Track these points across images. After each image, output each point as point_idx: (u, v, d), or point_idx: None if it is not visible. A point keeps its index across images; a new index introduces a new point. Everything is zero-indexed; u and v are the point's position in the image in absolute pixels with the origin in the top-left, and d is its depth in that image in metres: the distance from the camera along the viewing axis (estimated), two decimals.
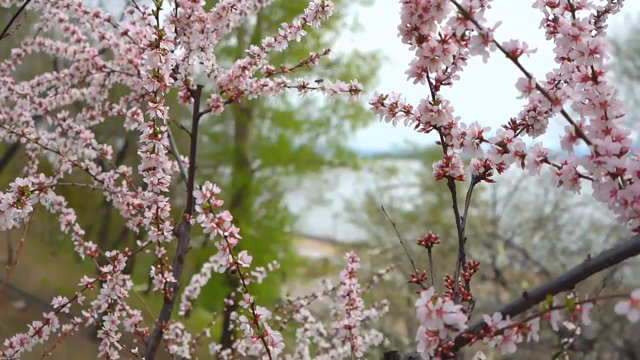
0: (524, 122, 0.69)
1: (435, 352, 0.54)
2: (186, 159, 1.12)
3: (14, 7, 1.23)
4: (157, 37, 0.71)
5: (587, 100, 0.56)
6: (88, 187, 0.96)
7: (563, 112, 0.52)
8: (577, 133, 0.52)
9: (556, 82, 0.69)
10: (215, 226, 0.62)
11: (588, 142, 0.52)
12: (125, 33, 1.04)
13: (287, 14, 11.09)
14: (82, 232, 1.11)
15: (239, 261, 0.64)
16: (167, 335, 1.31)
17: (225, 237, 0.63)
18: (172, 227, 0.92)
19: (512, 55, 0.51)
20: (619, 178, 0.52)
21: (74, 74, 1.19)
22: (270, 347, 0.65)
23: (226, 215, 0.63)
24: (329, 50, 1.03)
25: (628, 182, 0.53)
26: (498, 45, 0.51)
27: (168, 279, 0.97)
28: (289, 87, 0.99)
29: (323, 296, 1.36)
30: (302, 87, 0.97)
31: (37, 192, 0.68)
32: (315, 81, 0.98)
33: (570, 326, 1.14)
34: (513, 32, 0.58)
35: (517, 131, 0.69)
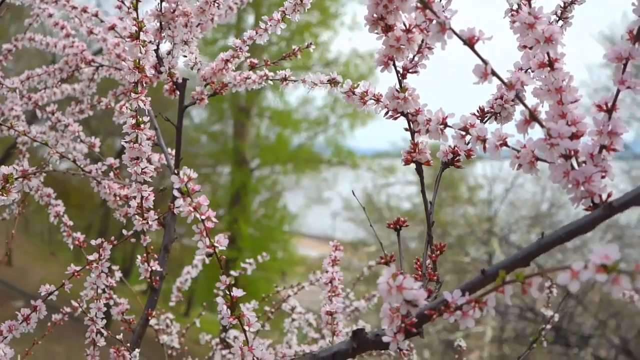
0: (491, 110, 0.72)
1: (398, 329, 0.57)
2: (173, 152, 1.14)
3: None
4: (137, 29, 0.73)
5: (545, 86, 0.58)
6: (74, 174, 0.98)
7: (517, 97, 0.54)
8: (532, 117, 0.55)
9: (523, 71, 0.72)
10: (192, 210, 0.65)
11: (542, 125, 0.54)
12: (112, 28, 1.06)
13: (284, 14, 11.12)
14: (70, 222, 1.13)
15: (216, 244, 0.66)
16: (158, 326, 1.33)
17: (202, 220, 0.65)
18: (156, 217, 0.94)
19: (469, 42, 0.54)
20: (572, 160, 0.55)
21: (63, 68, 1.22)
22: (246, 328, 0.68)
23: (203, 200, 0.65)
24: (311, 43, 1.06)
25: (583, 164, 0.55)
26: (455, 33, 0.53)
27: (154, 268, 0.99)
28: (271, 79, 1.01)
29: (310, 287, 1.38)
30: (284, 79, 0.99)
31: (20, 179, 0.71)
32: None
33: (548, 313, 1.16)
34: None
35: (485, 118, 0.72)
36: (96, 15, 1.13)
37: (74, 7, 1.13)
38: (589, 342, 5.86)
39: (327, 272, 0.98)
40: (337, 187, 12.71)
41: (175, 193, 0.64)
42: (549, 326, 1.13)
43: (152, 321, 1.33)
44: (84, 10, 1.13)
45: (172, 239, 1.05)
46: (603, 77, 9.81)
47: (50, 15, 1.24)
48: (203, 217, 0.65)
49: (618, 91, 0.55)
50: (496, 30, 0.61)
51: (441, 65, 0.65)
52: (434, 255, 0.66)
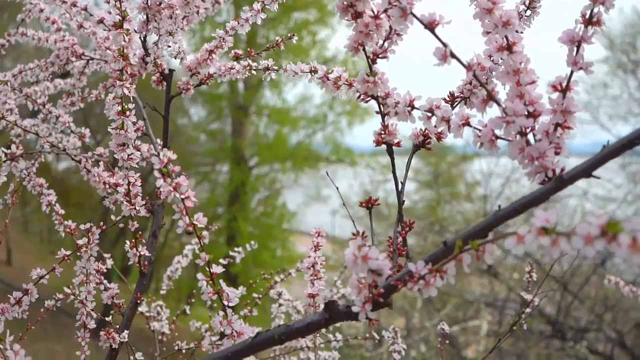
0: (461, 95, 0.75)
1: (366, 299, 0.60)
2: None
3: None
4: (120, 18, 0.77)
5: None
6: (74, 162, 1.01)
7: (475, 76, 0.57)
8: (489, 96, 0.58)
9: (492, 57, 0.75)
10: (172, 189, 0.68)
11: (499, 104, 0.57)
12: (101, 21, 1.09)
13: (282, 11, 11.15)
14: (62, 211, 1.16)
15: (195, 222, 0.69)
16: (149, 313, 1.37)
17: (182, 199, 0.68)
18: (144, 202, 0.97)
19: (430, 26, 0.57)
20: (529, 136, 0.58)
21: (54, 61, 1.25)
22: (225, 302, 0.71)
23: (182, 180, 0.68)
24: (293, 35, 1.09)
25: (539, 142, 0.58)
26: (416, 17, 0.56)
27: (142, 253, 1.03)
28: (255, 69, 1.04)
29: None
30: (267, 69, 1.02)
31: (8, 161, 0.74)
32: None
33: (527, 297, 1.19)
34: None
35: (455, 103, 0.75)
36: (85, 9, 1.16)
37: (63, 2, 1.16)
38: (585, 335, 5.90)
39: (309, 257, 1.02)
40: (335, 184, 12.69)
41: (156, 174, 0.67)
42: (528, 309, 1.16)
43: (144, 308, 1.37)
44: (74, 4, 1.16)
45: (160, 225, 1.08)
46: (600, 74, 9.83)
47: (41, 11, 1.27)
48: (183, 196, 0.68)
49: (572, 72, 0.58)
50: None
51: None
52: (403, 231, 0.69)
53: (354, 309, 0.60)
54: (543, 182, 0.56)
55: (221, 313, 0.71)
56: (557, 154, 0.57)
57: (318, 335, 1.21)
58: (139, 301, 1.04)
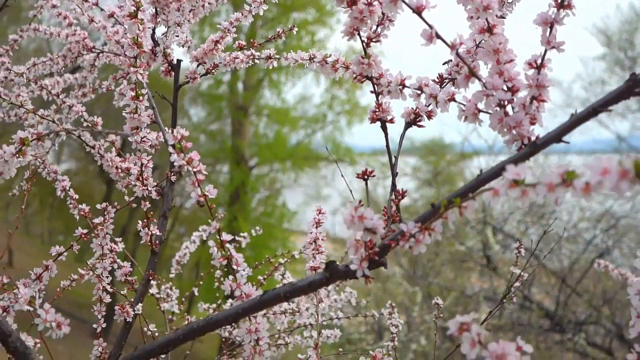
0: (449, 76, 0.81)
1: (363, 258, 0.66)
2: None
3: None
4: (135, 8, 0.83)
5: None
6: (86, 144, 1.08)
7: (457, 55, 0.64)
8: (471, 72, 0.65)
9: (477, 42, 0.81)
10: (185, 163, 0.74)
11: (479, 79, 0.64)
12: (111, 15, 1.16)
13: (281, 12, 11.22)
14: (76, 196, 1.22)
15: (207, 193, 0.76)
16: (159, 295, 1.43)
17: (195, 172, 0.75)
18: (155, 184, 1.04)
19: (417, 10, 0.63)
20: (508, 108, 0.64)
21: (66, 55, 1.31)
22: (235, 267, 0.77)
23: (195, 155, 0.75)
24: (294, 26, 1.15)
25: (516, 113, 0.65)
26: (405, 3, 0.63)
27: (153, 232, 1.09)
28: (257, 59, 1.11)
29: (299, 255, 1.48)
30: (269, 57, 1.09)
31: (35, 141, 0.80)
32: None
33: (516, 270, 1.26)
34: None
35: (444, 83, 0.81)
36: (96, 4, 1.22)
37: None
38: (583, 328, 5.96)
39: (311, 233, 1.08)
40: (335, 184, 12.79)
41: (170, 149, 0.74)
42: (517, 283, 1.23)
43: (154, 290, 1.43)
44: (85, 0, 1.22)
45: (170, 207, 1.14)
46: (598, 70, 9.88)
47: (54, 6, 1.33)
48: (195, 169, 0.74)
49: (545, 50, 0.65)
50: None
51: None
52: (397, 200, 0.76)
53: (352, 267, 0.67)
54: (519, 149, 0.63)
55: (231, 277, 0.77)
56: (532, 123, 0.64)
57: (321, 314, 1.27)
58: (150, 278, 1.11)
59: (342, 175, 1.17)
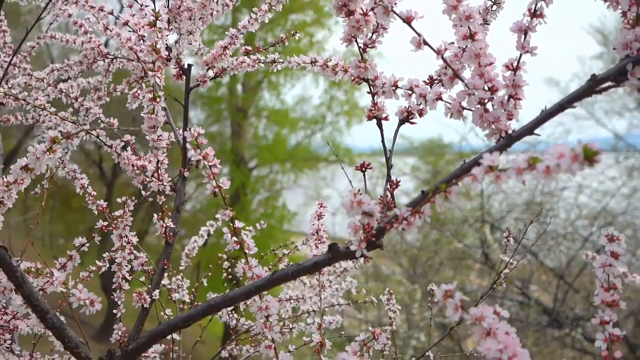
0: (438, 78, 0.90)
1: (362, 239, 0.75)
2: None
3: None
4: (154, 18, 0.92)
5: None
6: (103, 144, 1.17)
7: (443, 59, 0.72)
8: (455, 74, 0.73)
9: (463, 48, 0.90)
10: (202, 158, 0.83)
11: (462, 80, 0.73)
12: (126, 23, 1.24)
13: (279, 14, 11.33)
14: (94, 193, 1.31)
15: (220, 184, 0.84)
16: (170, 286, 1.52)
17: (210, 166, 0.83)
18: (170, 179, 1.13)
19: (407, 20, 0.72)
20: (488, 106, 0.73)
21: (82, 60, 1.40)
22: (246, 251, 0.86)
23: (210, 150, 0.84)
24: (296, 32, 1.24)
25: (495, 109, 0.74)
26: (396, 14, 0.72)
27: (168, 224, 1.18)
28: (263, 63, 1.20)
29: (302, 246, 1.57)
30: (273, 62, 1.18)
31: (65, 139, 0.89)
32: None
33: (505, 258, 1.34)
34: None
35: (433, 84, 0.90)
36: (111, 13, 1.31)
37: (92, 7, 1.31)
38: (580, 324, 6.05)
39: (313, 224, 1.17)
40: (335, 185, 12.87)
41: (188, 146, 0.82)
42: (507, 270, 1.31)
43: (165, 281, 1.52)
44: (101, 9, 1.31)
45: (182, 201, 1.23)
46: (595, 69, 9.98)
47: (70, 15, 1.42)
48: (210, 163, 0.83)
49: (520, 54, 0.74)
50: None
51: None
52: (391, 188, 0.84)
53: (352, 247, 0.75)
54: (498, 141, 0.72)
55: (243, 260, 0.86)
56: (509, 119, 0.72)
57: (323, 299, 1.36)
58: (165, 267, 1.19)
59: (344, 171, 1.25)
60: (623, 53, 0.65)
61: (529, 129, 0.68)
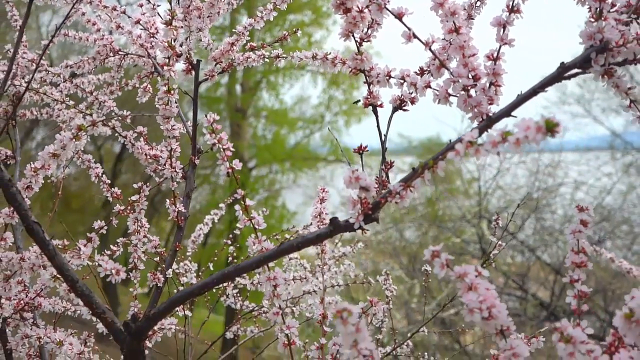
0: (428, 68, 0.99)
1: (359, 212, 0.84)
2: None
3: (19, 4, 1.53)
4: (170, 17, 1.01)
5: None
6: (118, 135, 1.26)
7: (431, 51, 0.81)
8: (441, 64, 0.82)
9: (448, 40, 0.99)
10: (217, 142, 0.92)
11: (448, 69, 0.82)
12: (137, 22, 1.33)
13: (277, 14, 11.42)
14: (108, 181, 1.40)
15: (233, 165, 0.93)
16: (178, 270, 1.61)
17: (224, 149, 0.92)
18: (182, 166, 1.21)
19: (399, 16, 0.81)
20: (470, 92, 0.82)
21: (95, 57, 1.48)
22: (256, 227, 0.95)
23: (224, 135, 0.93)
24: (297, 29, 1.33)
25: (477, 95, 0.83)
26: (389, 10, 0.81)
27: (179, 209, 1.27)
28: (267, 58, 1.29)
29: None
30: (277, 57, 1.27)
31: (91, 127, 0.97)
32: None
33: (494, 240, 1.43)
34: None
35: (424, 74, 0.99)
36: (124, 12, 1.40)
37: (105, 7, 1.40)
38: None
39: (315, 207, 1.26)
40: (334, 184, 12.95)
41: (204, 130, 0.91)
42: (496, 251, 1.41)
43: (174, 266, 1.60)
44: (114, 8, 1.40)
45: (192, 188, 1.32)
46: None
47: (84, 14, 1.51)
48: (224, 147, 0.92)
49: (500, 46, 0.82)
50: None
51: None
52: (386, 168, 0.93)
53: (351, 220, 0.84)
54: (479, 123, 0.81)
55: (253, 235, 0.95)
56: (490, 104, 0.81)
57: (325, 281, 1.44)
58: (177, 249, 1.28)
59: (348, 165, 1.34)
60: (588, 43, 0.74)
61: (507, 112, 0.77)
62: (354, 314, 0.63)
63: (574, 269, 0.84)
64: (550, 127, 0.57)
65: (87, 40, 1.53)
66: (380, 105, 0.94)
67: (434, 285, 6.79)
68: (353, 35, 0.90)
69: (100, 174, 1.41)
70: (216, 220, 1.79)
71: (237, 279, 1.77)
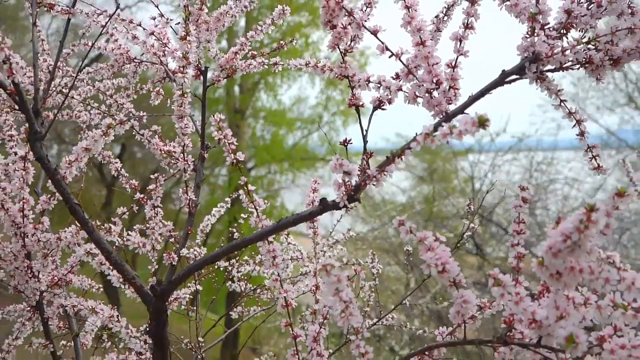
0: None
1: (343, 193, 1.02)
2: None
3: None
4: (185, 33, 1.19)
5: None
6: (136, 133, 1.44)
7: (400, 60, 1.00)
8: (409, 72, 1.01)
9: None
10: (222, 137, 1.10)
11: (414, 76, 1.00)
12: (152, 33, 1.52)
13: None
14: (126, 174, 1.58)
15: (238, 157, 1.11)
16: (188, 255, 1.79)
17: (229, 143, 1.10)
18: (193, 159, 1.40)
19: (374, 32, 0.99)
20: (433, 94, 1.01)
21: (113, 64, 1.67)
22: (257, 207, 1.13)
23: (229, 131, 1.11)
24: (293, 39, 1.52)
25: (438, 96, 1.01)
26: (366, 28, 0.99)
27: (191, 197, 1.45)
28: (267, 65, 1.47)
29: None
30: (275, 64, 1.45)
31: (118, 125, 1.16)
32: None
33: (465, 221, 1.62)
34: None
35: (401, 80, 1.17)
36: (139, 24, 1.58)
37: (122, 20, 1.58)
38: None
39: (309, 197, 1.44)
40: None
41: (212, 127, 1.09)
42: (468, 233, 1.59)
43: (184, 251, 1.79)
44: (131, 21, 1.58)
45: (202, 179, 1.50)
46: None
47: (103, 26, 1.69)
48: (229, 141, 1.10)
49: (457, 57, 1.01)
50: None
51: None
52: (367, 157, 1.12)
53: (337, 199, 1.02)
54: (441, 119, 0.99)
55: (255, 214, 1.13)
56: (449, 103, 1.00)
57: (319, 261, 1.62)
58: (189, 232, 1.46)
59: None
60: (523, 55, 0.92)
61: (460, 110, 0.96)
62: (336, 267, 0.81)
63: (515, 235, 1.02)
64: (482, 122, 0.76)
65: (105, 49, 1.72)
66: (362, 105, 1.13)
67: (431, 283, 6.98)
68: (339, 47, 1.09)
69: (119, 168, 1.59)
70: (222, 212, 1.97)
71: (240, 271, 1.96)
